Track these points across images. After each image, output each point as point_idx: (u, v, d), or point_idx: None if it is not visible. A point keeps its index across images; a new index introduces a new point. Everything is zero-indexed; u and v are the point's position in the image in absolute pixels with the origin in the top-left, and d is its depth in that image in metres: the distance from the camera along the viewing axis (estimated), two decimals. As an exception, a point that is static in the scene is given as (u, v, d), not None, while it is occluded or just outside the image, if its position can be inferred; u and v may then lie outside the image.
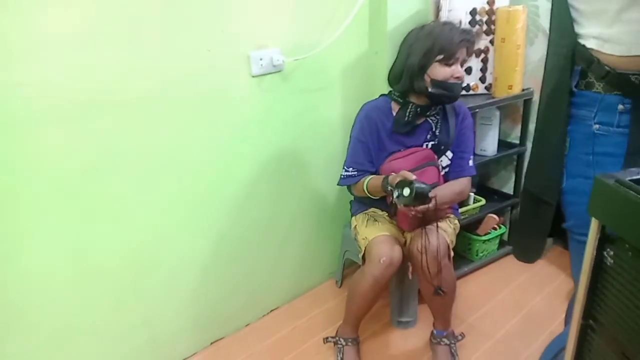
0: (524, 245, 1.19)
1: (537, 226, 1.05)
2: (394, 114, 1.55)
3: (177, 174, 1.50)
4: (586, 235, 0.89)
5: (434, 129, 1.55)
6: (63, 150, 1.26)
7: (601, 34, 0.82)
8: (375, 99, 1.61)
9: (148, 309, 1.56)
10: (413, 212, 1.35)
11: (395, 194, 1.31)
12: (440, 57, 1.42)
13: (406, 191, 1.27)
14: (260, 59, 1.56)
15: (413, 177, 1.31)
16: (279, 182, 1.79)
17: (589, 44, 0.84)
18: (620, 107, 0.82)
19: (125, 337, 1.53)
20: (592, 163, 0.87)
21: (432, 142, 1.55)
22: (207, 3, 1.41)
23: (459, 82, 1.46)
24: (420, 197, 1.28)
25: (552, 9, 0.93)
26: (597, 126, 0.86)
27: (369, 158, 1.55)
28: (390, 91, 1.58)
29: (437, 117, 1.55)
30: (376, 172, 1.56)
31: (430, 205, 1.33)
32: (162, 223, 1.51)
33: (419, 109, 1.51)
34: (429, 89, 1.46)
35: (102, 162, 1.33)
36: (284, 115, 1.70)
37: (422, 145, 1.56)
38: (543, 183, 0.98)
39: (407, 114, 1.51)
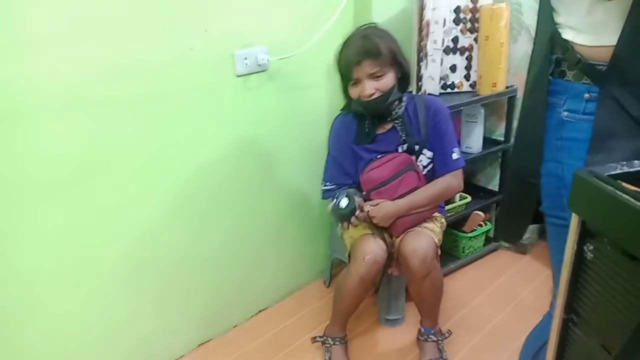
0: (509, 224, 1.22)
1: (523, 205, 1.08)
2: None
3: (163, 172, 1.49)
4: (558, 217, 0.94)
5: (400, 134, 1.52)
6: (49, 146, 1.25)
7: (576, 24, 0.85)
8: (343, 111, 1.59)
9: (135, 310, 1.55)
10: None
11: (334, 201, 1.40)
12: (346, 79, 1.46)
13: (344, 203, 1.39)
14: (245, 58, 1.55)
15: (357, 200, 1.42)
16: (265, 182, 1.78)
17: (565, 34, 0.88)
18: (587, 95, 0.86)
19: (112, 338, 1.51)
20: (560, 148, 0.92)
21: (406, 145, 1.53)
22: (190, 2, 1.39)
23: (373, 98, 1.41)
24: (343, 218, 1.42)
25: None
26: (565, 113, 0.90)
27: (343, 171, 1.56)
28: None
29: (401, 119, 1.51)
30: (356, 183, 1.57)
31: (358, 216, 1.43)
32: (149, 222, 1.50)
33: (375, 119, 1.51)
34: (351, 107, 1.50)
35: (88, 158, 1.32)
36: (269, 114, 1.70)
37: (396, 150, 1.54)
38: (527, 165, 1.01)
39: (365, 125, 1.52)
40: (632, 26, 0.77)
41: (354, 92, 1.45)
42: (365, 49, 1.39)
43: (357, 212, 1.41)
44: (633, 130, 0.82)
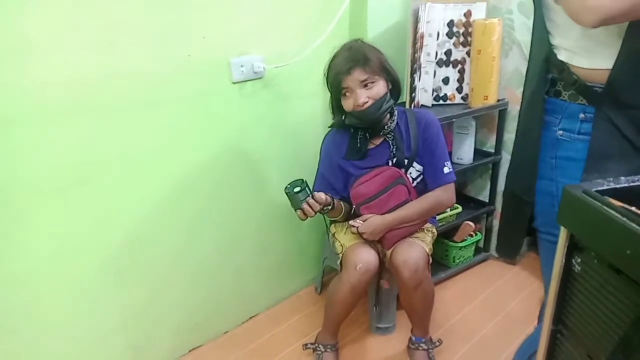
0: (506, 241, 1.24)
1: (517, 223, 1.11)
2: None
3: (158, 177, 1.50)
4: (551, 234, 0.96)
5: (391, 148, 1.53)
6: (45, 151, 1.25)
7: (571, 47, 0.87)
8: (333, 129, 1.60)
9: (127, 314, 1.54)
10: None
11: (289, 188, 1.38)
12: (337, 92, 1.45)
13: (296, 189, 1.37)
14: (241, 66, 1.57)
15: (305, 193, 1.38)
16: (260, 188, 1.79)
17: (560, 55, 0.89)
18: (582, 115, 0.88)
19: (103, 343, 1.51)
20: (555, 166, 0.94)
21: (396, 159, 1.54)
22: (189, 9, 1.41)
23: (367, 107, 1.41)
24: (293, 199, 1.39)
25: (534, 15, 0.96)
26: (560, 132, 0.92)
27: (330, 187, 1.57)
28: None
29: (393, 134, 1.52)
30: (344, 198, 1.58)
31: (309, 202, 1.39)
32: (141, 227, 1.50)
33: (367, 134, 1.53)
34: (346, 122, 1.50)
35: (84, 163, 1.32)
36: (264, 121, 1.71)
37: (387, 163, 1.54)
38: (524, 184, 1.02)
39: (358, 141, 1.53)
40: (628, 51, 0.79)
41: (347, 103, 1.45)
42: (353, 57, 1.40)
43: (309, 199, 1.38)
44: (628, 152, 0.84)
